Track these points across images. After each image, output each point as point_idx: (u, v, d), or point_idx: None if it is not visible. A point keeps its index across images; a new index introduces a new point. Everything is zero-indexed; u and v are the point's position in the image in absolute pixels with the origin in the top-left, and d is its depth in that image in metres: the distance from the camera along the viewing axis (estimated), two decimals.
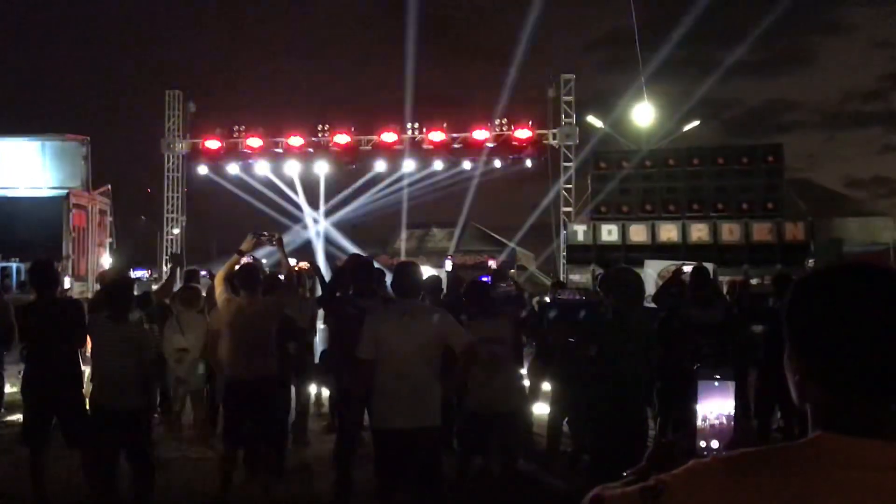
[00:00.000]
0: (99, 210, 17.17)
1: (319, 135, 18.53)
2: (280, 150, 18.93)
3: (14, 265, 14.45)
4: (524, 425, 6.88)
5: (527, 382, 7.53)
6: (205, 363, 7.23)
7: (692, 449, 1.30)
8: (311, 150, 18.74)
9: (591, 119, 20.06)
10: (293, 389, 7.25)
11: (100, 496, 5.07)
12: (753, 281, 12.82)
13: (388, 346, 4.47)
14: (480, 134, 17.86)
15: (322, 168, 19.25)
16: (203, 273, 9.25)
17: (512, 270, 17.34)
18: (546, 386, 7.72)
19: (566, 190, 18.25)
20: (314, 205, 20.42)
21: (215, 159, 19.24)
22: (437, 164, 18.69)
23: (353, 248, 18.26)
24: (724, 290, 9.70)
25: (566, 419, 7.03)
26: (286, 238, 13.09)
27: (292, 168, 19.38)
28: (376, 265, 6.55)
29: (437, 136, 18.03)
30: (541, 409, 7.74)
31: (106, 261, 17.01)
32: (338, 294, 6.17)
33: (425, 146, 18.26)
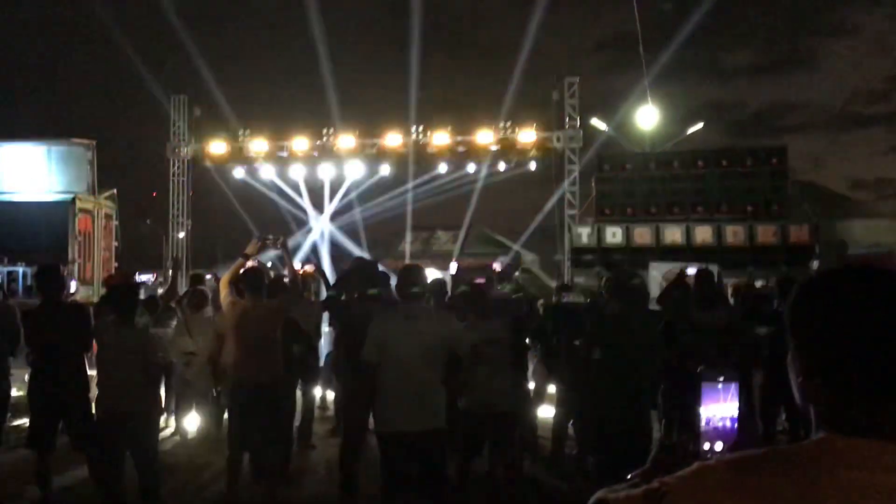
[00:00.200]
0: (105, 214, 17.18)
1: (324, 138, 18.56)
2: (285, 154, 18.93)
3: (20, 269, 14.42)
4: (529, 428, 6.88)
5: (532, 385, 7.53)
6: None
7: (696, 451, 1.31)
8: (315, 153, 18.77)
9: (596, 122, 20.08)
10: (298, 392, 7.26)
11: (106, 499, 5.08)
12: (758, 283, 12.78)
13: (392, 349, 4.48)
14: (485, 137, 17.82)
15: (326, 171, 19.28)
16: (209, 276, 9.27)
17: (516, 273, 17.31)
18: (551, 388, 7.71)
19: (570, 193, 18.23)
20: (319, 208, 20.47)
21: (220, 163, 19.30)
22: (442, 167, 18.71)
23: (357, 251, 18.27)
24: (729, 292, 9.68)
25: (571, 422, 7.02)
26: (291, 242, 13.10)
27: (297, 172, 19.41)
28: (381, 268, 6.56)
29: (442, 138, 18.02)
30: (546, 412, 7.74)
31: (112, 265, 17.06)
32: (343, 297, 6.17)
33: (430, 149, 18.26)
